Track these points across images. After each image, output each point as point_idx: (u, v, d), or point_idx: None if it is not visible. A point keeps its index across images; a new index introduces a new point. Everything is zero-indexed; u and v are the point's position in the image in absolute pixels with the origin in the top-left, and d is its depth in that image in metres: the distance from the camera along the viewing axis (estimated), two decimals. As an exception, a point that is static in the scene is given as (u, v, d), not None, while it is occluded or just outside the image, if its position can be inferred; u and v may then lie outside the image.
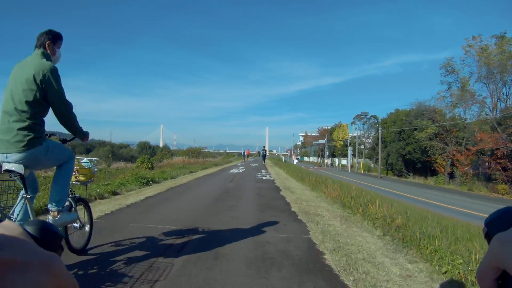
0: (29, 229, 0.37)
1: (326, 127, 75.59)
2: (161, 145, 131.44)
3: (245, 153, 33.85)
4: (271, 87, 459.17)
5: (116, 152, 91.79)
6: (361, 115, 45.38)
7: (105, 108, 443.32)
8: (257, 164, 24.82)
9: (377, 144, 39.18)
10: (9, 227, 0.34)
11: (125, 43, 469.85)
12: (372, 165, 42.91)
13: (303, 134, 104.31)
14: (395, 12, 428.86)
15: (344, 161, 60.35)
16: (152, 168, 20.72)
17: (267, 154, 34.19)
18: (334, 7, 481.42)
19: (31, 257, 0.31)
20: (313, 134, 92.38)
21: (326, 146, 59.13)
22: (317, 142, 60.89)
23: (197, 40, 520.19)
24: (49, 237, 0.38)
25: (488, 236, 0.42)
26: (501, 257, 0.37)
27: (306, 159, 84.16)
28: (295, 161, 52.38)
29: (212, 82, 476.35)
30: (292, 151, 60.31)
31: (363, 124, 45.97)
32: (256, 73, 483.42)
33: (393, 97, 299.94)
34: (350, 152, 41.20)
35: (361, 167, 40.87)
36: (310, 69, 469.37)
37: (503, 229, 0.39)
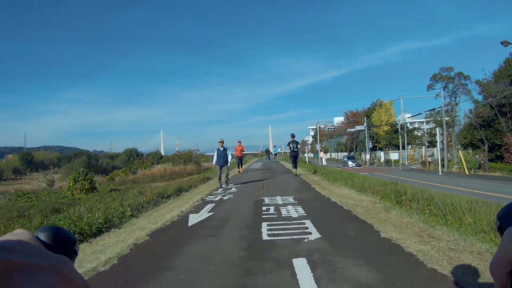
0: (41, 235, 0.37)
1: (356, 110, 55.75)
2: (162, 151, 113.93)
3: (226, 156, 10.06)
4: (273, 85, 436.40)
5: (94, 164, 75.31)
6: (442, 71, 25.82)
7: (106, 118, 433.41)
8: (301, 212, 5.81)
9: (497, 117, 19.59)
10: (19, 234, 0.34)
11: (123, 52, 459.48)
12: (476, 157, 23.06)
13: (314, 127, 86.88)
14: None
15: (394, 155, 40.62)
16: (91, 190, 14.42)
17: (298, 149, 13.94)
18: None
19: (40, 260, 0.31)
20: (333, 124, 72.94)
21: (366, 135, 39.54)
22: (352, 130, 41.27)
23: (195, 44, 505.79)
24: (61, 242, 0.38)
25: (501, 229, 0.42)
26: None
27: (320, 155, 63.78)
28: (345, 163, 33.29)
29: (213, 84, 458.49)
30: (319, 146, 40.69)
31: (444, 89, 26.12)
32: (257, 73, 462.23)
33: (401, 84, 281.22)
34: (438, 138, 21.67)
35: (463, 164, 21.45)
36: (311, 64, 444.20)
37: None
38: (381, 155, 41.55)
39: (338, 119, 71.73)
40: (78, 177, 15.20)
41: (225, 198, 7.77)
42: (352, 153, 52.02)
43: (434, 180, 18.83)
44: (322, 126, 60.81)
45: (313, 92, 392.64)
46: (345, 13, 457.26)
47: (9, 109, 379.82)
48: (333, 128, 47.13)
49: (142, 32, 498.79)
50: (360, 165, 37.32)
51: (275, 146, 41.77)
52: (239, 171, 16.68)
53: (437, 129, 21.88)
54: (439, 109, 25.18)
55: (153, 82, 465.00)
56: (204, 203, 7.08)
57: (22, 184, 40.08)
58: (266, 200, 7.00)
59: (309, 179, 11.37)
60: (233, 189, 9.67)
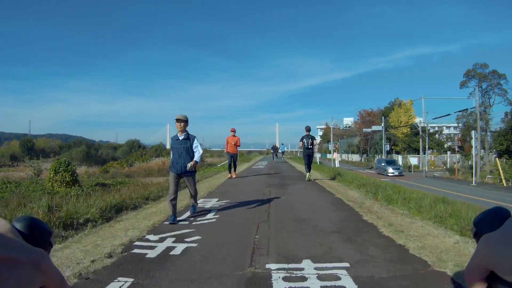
0: (18, 225, 0.37)
1: (371, 110, 52.69)
2: (167, 145, 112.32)
3: (191, 152, 4.70)
4: (281, 83, 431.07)
5: (93, 154, 73.68)
6: (477, 68, 22.97)
7: (112, 109, 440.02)
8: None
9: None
10: None
11: (130, 43, 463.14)
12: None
13: (322, 127, 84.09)
14: (405, 3, 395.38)
15: (413, 160, 37.86)
16: (73, 183, 12.70)
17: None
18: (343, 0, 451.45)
19: (19, 254, 0.31)
20: (347, 124, 69.94)
21: (384, 136, 36.83)
22: (368, 130, 38.50)
23: (204, 38, 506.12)
24: (38, 233, 0.38)
25: (477, 236, 0.42)
26: (488, 258, 0.36)
27: (329, 156, 59.53)
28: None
29: (221, 80, 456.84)
30: (332, 146, 38.20)
31: (478, 87, 23.08)
32: (265, 70, 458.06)
33: (408, 88, 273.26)
34: (474, 143, 18.96)
35: (501, 173, 18.82)
36: (320, 64, 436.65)
37: (492, 229, 0.38)
38: (399, 159, 38.75)
39: (348, 120, 68.56)
40: (59, 167, 13.19)
41: (175, 252, 3.15)
42: (365, 156, 49.31)
43: (470, 192, 16.25)
44: (333, 126, 58.04)
45: (321, 92, 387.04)
46: (355, 14, 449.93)
47: (15, 95, 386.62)
48: (348, 127, 44.32)
49: (150, 24, 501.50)
50: (403, 174, 27.98)
51: (282, 144, 39.31)
52: (229, 177, 10.80)
53: (473, 133, 19.13)
54: (472, 110, 22.41)
55: (160, 75, 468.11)
56: (115, 268, 2.74)
57: (16, 171, 39.73)
58: (276, 284, 2.34)
59: (343, 194, 7.12)
60: (210, 215, 4.89)
